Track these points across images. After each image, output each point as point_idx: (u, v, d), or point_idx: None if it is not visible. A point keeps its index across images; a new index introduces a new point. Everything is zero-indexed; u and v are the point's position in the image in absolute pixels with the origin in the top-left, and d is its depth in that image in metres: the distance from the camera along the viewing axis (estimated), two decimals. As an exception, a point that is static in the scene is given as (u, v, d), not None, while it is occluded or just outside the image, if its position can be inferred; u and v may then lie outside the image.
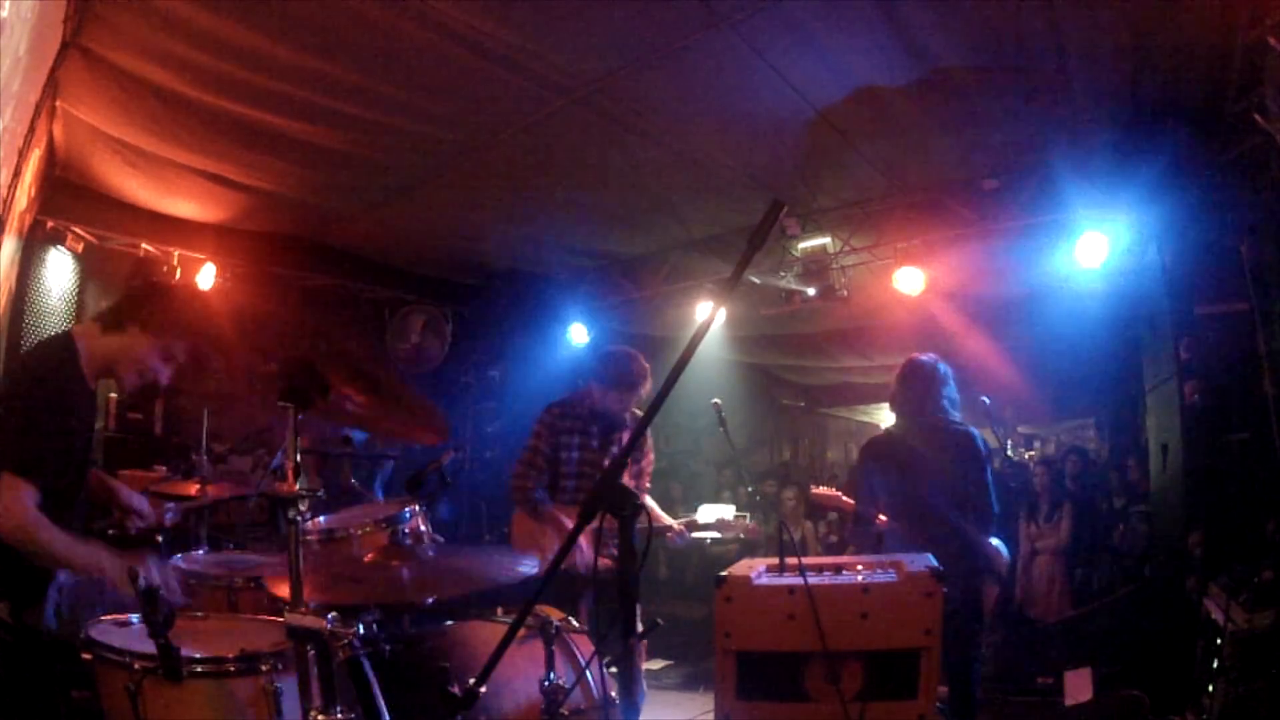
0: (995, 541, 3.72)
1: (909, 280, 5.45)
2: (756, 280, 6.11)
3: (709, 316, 1.50)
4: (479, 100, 4.20)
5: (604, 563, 3.02)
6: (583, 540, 3.46)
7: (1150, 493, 5.76)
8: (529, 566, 2.27)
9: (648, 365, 4.01)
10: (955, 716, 3.55)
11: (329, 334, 6.68)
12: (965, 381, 4.05)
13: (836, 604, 2.59)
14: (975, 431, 3.74)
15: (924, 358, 3.88)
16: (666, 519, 4.32)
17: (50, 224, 5.01)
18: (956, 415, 3.80)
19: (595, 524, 1.42)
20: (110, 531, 3.05)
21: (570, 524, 3.80)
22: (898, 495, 3.73)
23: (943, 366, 3.84)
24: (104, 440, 5.27)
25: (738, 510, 6.15)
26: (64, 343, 2.51)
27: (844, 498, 4.37)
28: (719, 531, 4.55)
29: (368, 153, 4.77)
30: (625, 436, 4.08)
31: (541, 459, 3.95)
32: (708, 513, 5.42)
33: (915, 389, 3.80)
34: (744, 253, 1.43)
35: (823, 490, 4.53)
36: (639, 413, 4.06)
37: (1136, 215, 4.68)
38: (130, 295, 2.66)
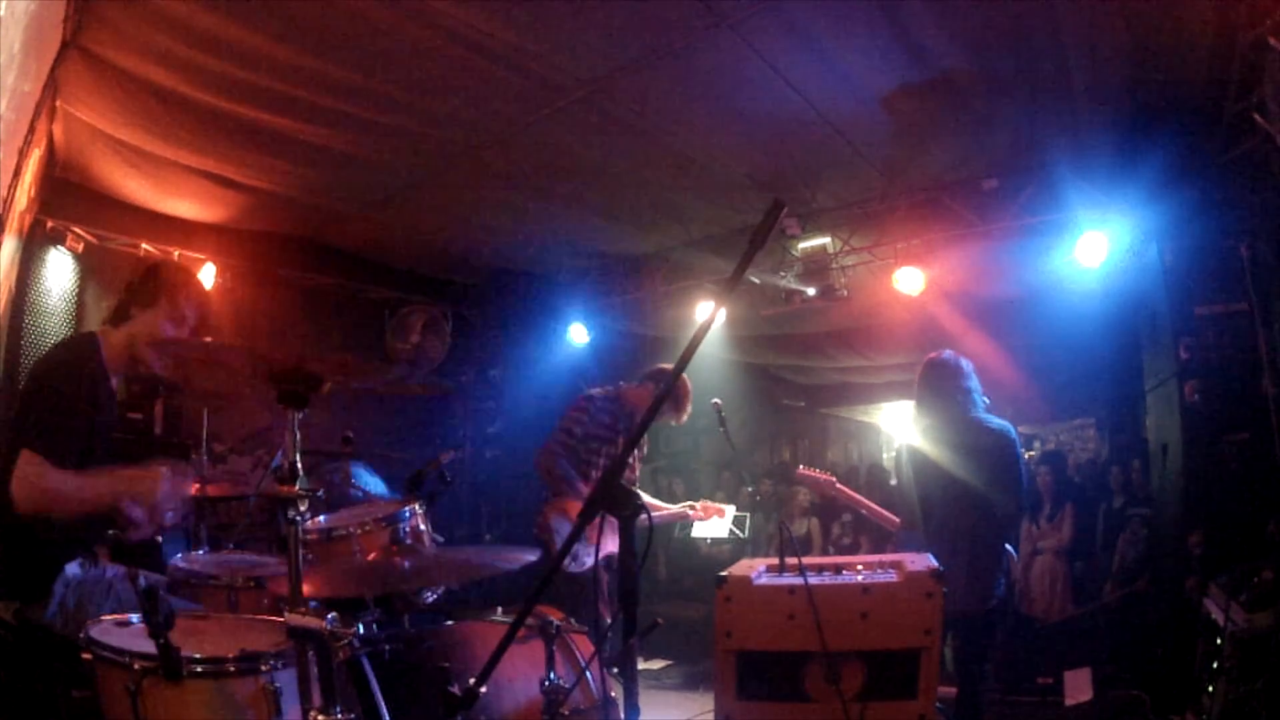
0: (1007, 546, 3.77)
1: (909, 280, 5.45)
2: (756, 280, 6.11)
3: (709, 316, 1.50)
4: (479, 100, 4.20)
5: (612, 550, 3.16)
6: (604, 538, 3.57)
7: (1150, 493, 5.75)
8: (529, 556, 2.27)
9: None
10: (962, 718, 3.56)
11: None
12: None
13: (837, 604, 2.59)
14: (1009, 427, 3.74)
15: (944, 354, 3.91)
16: (669, 507, 4.74)
17: (50, 224, 5.01)
18: (983, 406, 3.81)
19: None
20: (110, 532, 3.06)
21: None
22: (923, 502, 3.79)
23: (964, 361, 3.87)
24: (104, 440, 5.26)
25: (738, 510, 6.16)
26: (91, 340, 2.66)
27: (838, 484, 4.37)
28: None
29: (368, 153, 4.77)
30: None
31: (577, 443, 4.24)
32: (704, 521, 5.45)
33: (939, 386, 3.83)
34: (744, 253, 1.43)
35: (810, 472, 4.52)
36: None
37: (1136, 215, 4.68)
38: (127, 288, 2.76)
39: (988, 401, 3.84)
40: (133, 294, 2.71)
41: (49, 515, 2.30)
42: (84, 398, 2.49)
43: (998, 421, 3.75)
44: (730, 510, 5.94)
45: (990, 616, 3.62)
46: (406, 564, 2.17)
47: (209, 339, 2.36)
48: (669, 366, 4.46)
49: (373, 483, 4.38)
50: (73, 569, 2.34)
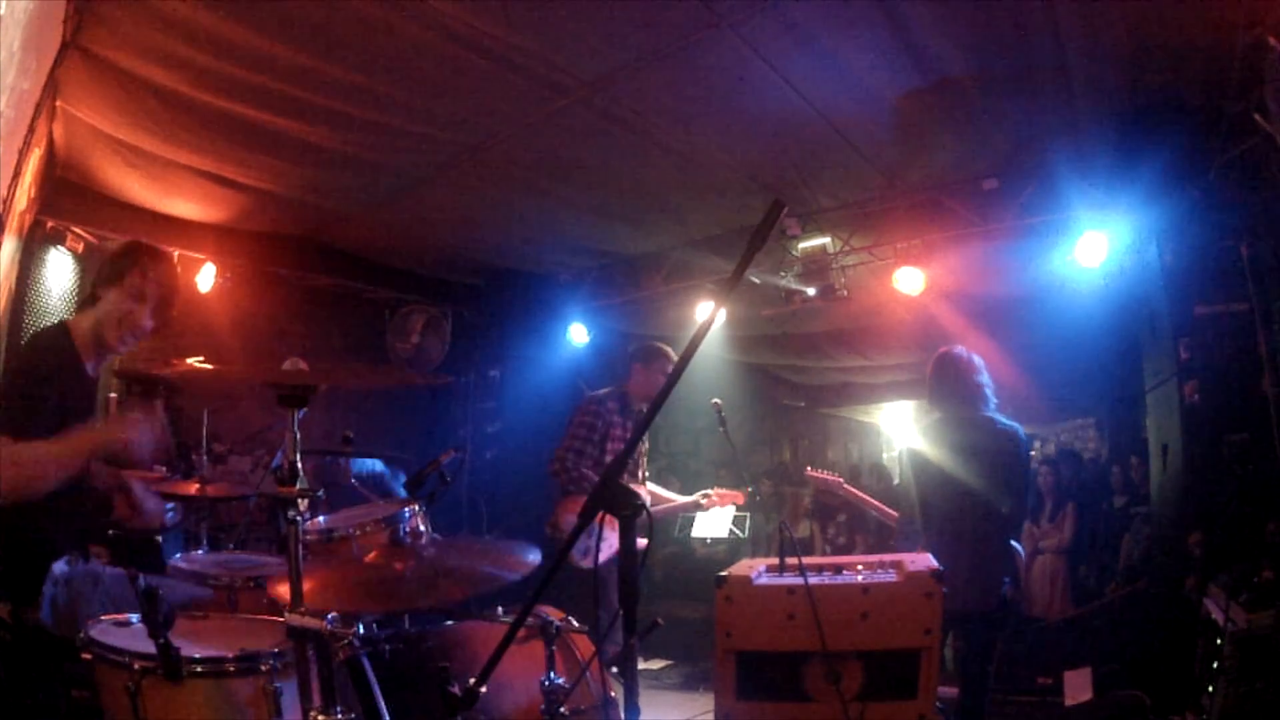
0: (1014, 544, 3.76)
1: (909, 280, 5.45)
2: (756, 280, 6.10)
3: (709, 316, 1.50)
4: (479, 100, 4.20)
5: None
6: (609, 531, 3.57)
7: (1150, 493, 5.75)
8: (532, 557, 2.26)
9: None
10: (964, 718, 3.56)
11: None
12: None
13: (836, 604, 2.59)
14: (1019, 429, 3.73)
15: (956, 349, 3.92)
16: (681, 498, 4.77)
17: (50, 224, 5.00)
18: (994, 405, 3.81)
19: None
20: (110, 532, 3.05)
21: None
22: (924, 503, 3.78)
23: (976, 357, 3.88)
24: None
25: (737, 510, 6.16)
26: (61, 330, 2.63)
27: (845, 484, 4.38)
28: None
29: (368, 153, 4.77)
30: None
31: (592, 446, 4.28)
32: (705, 520, 5.43)
33: (951, 380, 3.83)
34: (744, 253, 1.42)
35: (818, 474, 4.53)
36: (643, 409, 4.41)
37: (1136, 215, 4.67)
38: (97, 269, 2.74)
39: (996, 401, 3.84)
40: (100, 274, 2.67)
41: (33, 499, 2.25)
42: (51, 383, 2.46)
43: (1008, 422, 3.74)
44: (729, 512, 5.91)
45: (994, 615, 3.61)
46: (408, 573, 2.16)
47: (195, 360, 2.33)
48: (654, 344, 4.48)
49: (368, 463, 4.42)
50: (60, 566, 2.32)
